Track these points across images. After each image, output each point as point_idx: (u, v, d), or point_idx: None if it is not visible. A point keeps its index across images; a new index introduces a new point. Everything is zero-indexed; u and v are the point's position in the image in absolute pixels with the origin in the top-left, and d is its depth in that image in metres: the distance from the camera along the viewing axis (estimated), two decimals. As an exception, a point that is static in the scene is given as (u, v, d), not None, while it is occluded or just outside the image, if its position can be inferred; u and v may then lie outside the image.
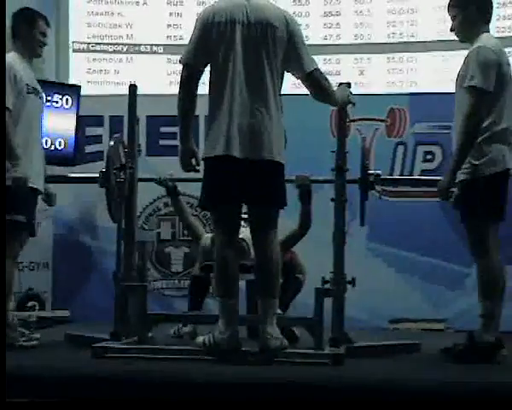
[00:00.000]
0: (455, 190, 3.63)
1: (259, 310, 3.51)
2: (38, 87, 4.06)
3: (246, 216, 3.69)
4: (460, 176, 3.62)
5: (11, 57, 3.93)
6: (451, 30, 3.81)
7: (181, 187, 4.69)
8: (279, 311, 3.98)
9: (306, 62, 3.54)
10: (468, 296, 5.11)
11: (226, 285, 3.48)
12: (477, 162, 3.59)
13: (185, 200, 4.97)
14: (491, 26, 3.81)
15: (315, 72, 3.56)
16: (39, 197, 4.11)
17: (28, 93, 3.94)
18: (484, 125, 3.57)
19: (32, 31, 4.01)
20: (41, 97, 4.14)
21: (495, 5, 3.84)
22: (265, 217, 3.54)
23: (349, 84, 3.87)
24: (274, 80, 3.49)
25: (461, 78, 3.65)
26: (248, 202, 3.57)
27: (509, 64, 3.67)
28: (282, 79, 3.58)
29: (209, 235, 4.38)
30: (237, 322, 3.51)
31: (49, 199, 4.23)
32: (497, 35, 3.98)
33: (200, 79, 3.51)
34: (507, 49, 3.75)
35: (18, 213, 3.82)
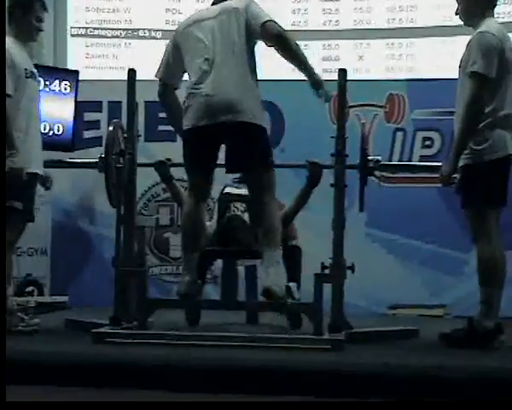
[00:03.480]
0: (457, 176, 3.64)
1: (263, 262, 3.62)
2: (35, 71, 4.05)
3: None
4: (461, 161, 3.62)
5: (8, 43, 3.90)
6: (456, 13, 3.80)
7: (180, 172, 4.66)
8: (294, 286, 3.98)
9: (259, 17, 3.63)
10: (466, 282, 5.13)
11: (191, 241, 3.73)
12: (479, 148, 3.59)
13: (182, 185, 4.93)
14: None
15: (268, 23, 3.61)
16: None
17: (27, 77, 3.92)
18: (486, 110, 3.57)
19: (27, 16, 3.98)
20: (38, 81, 4.13)
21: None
22: (253, 179, 3.67)
23: (345, 71, 3.88)
24: (243, 53, 3.60)
25: (463, 63, 3.64)
26: (232, 166, 3.70)
27: (512, 50, 3.67)
28: (253, 50, 3.67)
29: (210, 223, 4.36)
30: (196, 271, 3.75)
31: (45, 182, 4.21)
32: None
33: (175, 88, 3.81)
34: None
35: (15, 199, 3.81)
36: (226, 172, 3.79)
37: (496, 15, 3.79)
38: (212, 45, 3.62)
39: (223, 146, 3.70)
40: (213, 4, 3.81)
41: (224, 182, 4.41)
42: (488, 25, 3.63)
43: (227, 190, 4.38)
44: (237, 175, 4.25)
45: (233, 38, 3.62)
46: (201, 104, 3.57)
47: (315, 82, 3.62)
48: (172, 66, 3.78)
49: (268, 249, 3.62)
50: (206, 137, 3.60)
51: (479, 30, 3.62)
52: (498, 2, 3.83)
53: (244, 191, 4.23)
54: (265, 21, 3.60)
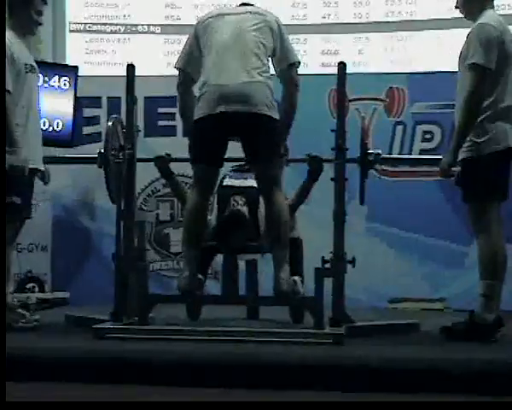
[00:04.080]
0: (457, 168, 3.63)
1: (273, 259, 3.68)
2: (35, 64, 4.03)
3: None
4: (462, 154, 3.61)
5: (7, 36, 3.88)
6: (456, 7, 3.79)
7: (180, 168, 4.65)
8: (299, 279, 4.00)
9: (292, 54, 3.75)
10: (467, 276, 5.13)
11: (193, 236, 3.73)
12: (479, 140, 3.58)
13: (183, 180, 4.93)
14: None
15: (296, 66, 3.76)
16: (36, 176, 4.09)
17: (27, 72, 3.91)
18: (486, 102, 3.55)
19: (27, 9, 3.96)
20: (38, 75, 4.12)
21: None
22: (262, 172, 3.69)
23: (344, 64, 3.88)
24: (259, 49, 3.64)
25: (463, 55, 3.63)
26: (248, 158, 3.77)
27: (512, 41, 3.66)
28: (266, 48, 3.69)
29: (210, 217, 4.35)
30: (196, 266, 3.76)
31: (44, 176, 4.21)
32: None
33: (194, 82, 3.78)
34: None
35: (14, 194, 3.80)
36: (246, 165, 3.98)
37: (496, 7, 3.78)
38: (229, 38, 3.64)
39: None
40: (241, 5, 3.87)
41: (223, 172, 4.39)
42: (488, 16, 3.62)
43: (226, 182, 4.36)
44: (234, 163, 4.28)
45: (251, 35, 3.65)
46: (216, 93, 3.58)
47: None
48: (193, 57, 3.77)
49: (277, 247, 3.66)
50: (219, 125, 3.59)
51: (478, 21, 3.60)
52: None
53: (243, 182, 4.23)
54: (295, 62, 3.74)
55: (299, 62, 3.78)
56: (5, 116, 3.71)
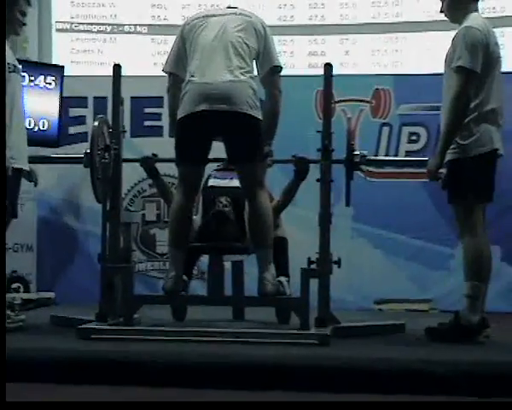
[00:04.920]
0: (443, 170, 3.65)
1: (257, 260, 3.68)
2: (18, 64, 4.02)
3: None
4: (447, 156, 3.62)
5: None
6: (441, 11, 3.81)
7: (166, 168, 4.65)
8: (285, 280, 4.01)
9: (274, 57, 3.76)
10: (452, 277, 5.16)
11: (178, 237, 3.74)
12: (464, 142, 3.60)
13: (169, 181, 4.93)
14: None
15: (279, 70, 3.77)
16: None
17: (10, 72, 3.89)
18: (472, 105, 3.57)
19: (12, 9, 3.94)
20: (21, 75, 4.10)
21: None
22: (244, 171, 3.71)
23: (330, 65, 3.89)
24: (243, 49, 3.65)
25: (449, 58, 3.65)
26: (229, 158, 3.77)
27: (497, 44, 3.67)
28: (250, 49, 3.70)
29: (195, 217, 4.35)
30: (182, 268, 3.76)
31: (30, 177, 4.19)
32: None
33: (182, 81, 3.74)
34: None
35: None
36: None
37: (480, 11, 3.79)
38: (213, 38, 3.66)
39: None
40: (228, 8, 3.89)
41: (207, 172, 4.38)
42: (473, 19, 3.64)
43: (211, 182, 4.36)
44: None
45: (235, 35, 3.67)
46: (199, 91, 3.59)
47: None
48: (180, 58, 3.79)
49: (261, 248, 3.67)
50: (202, 123, 3.60)
51: (464, 25, 3.62)
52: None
53: (229, 183, 4.23)
54: (278, 66, 3.74)
55: (281, 67, 3.79)
56: (4, 117, 3.69)
